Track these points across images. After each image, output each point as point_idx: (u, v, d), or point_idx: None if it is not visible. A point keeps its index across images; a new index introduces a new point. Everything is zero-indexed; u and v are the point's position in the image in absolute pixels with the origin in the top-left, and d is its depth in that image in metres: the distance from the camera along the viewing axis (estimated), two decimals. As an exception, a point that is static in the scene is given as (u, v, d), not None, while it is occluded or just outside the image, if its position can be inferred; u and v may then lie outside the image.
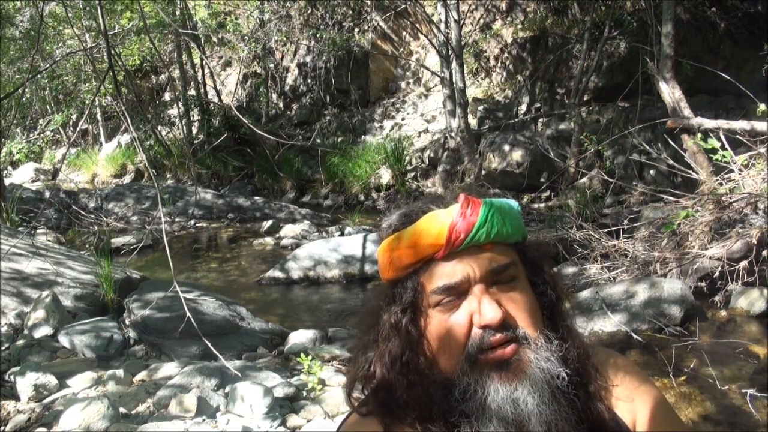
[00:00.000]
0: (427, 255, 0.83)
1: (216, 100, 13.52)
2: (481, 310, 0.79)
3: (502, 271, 0.82)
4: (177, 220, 9.09)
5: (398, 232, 0.86)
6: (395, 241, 0.86)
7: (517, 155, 8.80)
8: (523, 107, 10.64)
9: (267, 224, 8.30)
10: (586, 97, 9.42)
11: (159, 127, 13.59)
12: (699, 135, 5.18)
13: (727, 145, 4.83)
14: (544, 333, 0.82)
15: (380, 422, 0.86)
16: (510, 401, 0.78)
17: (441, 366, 0.83)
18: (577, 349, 0.86)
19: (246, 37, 12.36)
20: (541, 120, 10.20)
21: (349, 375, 0.94)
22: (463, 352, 0.80)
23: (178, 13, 11.65)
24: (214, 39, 12.13)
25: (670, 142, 5.71)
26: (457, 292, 0.81)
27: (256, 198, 10.14)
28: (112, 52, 4.00)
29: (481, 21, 11.85)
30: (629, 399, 0.89)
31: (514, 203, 0.88)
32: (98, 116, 16.35)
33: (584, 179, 8.02)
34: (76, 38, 11.67)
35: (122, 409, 2.73)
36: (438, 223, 0.83)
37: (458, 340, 0.81)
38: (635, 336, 3.83)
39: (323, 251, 6.11)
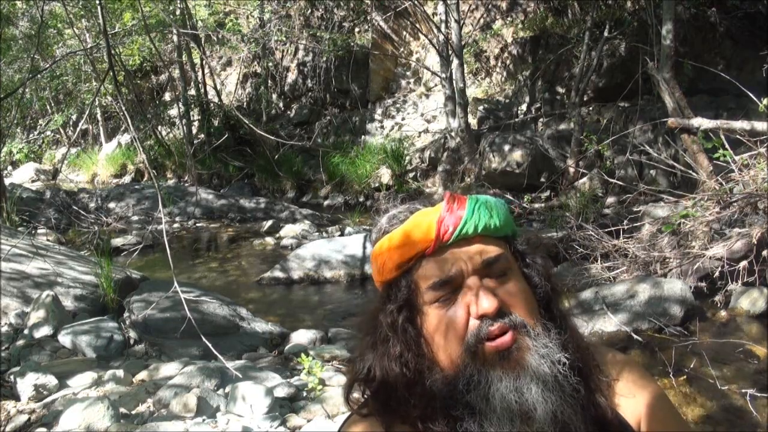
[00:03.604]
0: (418, 251, 0.84)
1: (216, 100, 13.51)
2: (476, 300, 0.80)
3: (493, 263, 0.83)
4: (177, 220, 9.10)
5: (388, 234, 0.88)
6: (386, 243, 0.87)
7: (517, 155, 8.79)
8: (523, 107, 10.64)
9: (267, 224, 8.30)
10: (586, 97, 9.41)
11: (159, 127, 13.57)
12: (699, 135, 5.18)
13: (727, 145, 4.83)
14: (542, 322, 0.83)
15: (381, 423, 0.86)
16: (513, 389, 0.78)
17: (441, 363, 0.83)
18: (575, 341, 0.86)
19: (246, 37, 12.35)
20: (541, 120, 10.20)
21: (347, 378, 0.95)
22: (462, 344, 0.81)
23: (178, 12, 11.65)
24: (214, 38, 12.11)
25: (671, 142, 5.71)
26: (452, 287, 0.82)
27: (257, 198, 10.14)
28: (112, 52, 4.00)
29: (482, 21, 11.85)
30: (631, 395, 0.89)
31: (499, 199, 0.91)
32: (98, 116, 16.34)
33: (584, 179, 8.01)
34: (76, 38, 11.67)
35: (122, 409, 2.73)
36: (426, 220, 0.85)
37: (457, 333, 0.81)
38: (636, 336, 3.83)
39: (324, 251, 6.11)
